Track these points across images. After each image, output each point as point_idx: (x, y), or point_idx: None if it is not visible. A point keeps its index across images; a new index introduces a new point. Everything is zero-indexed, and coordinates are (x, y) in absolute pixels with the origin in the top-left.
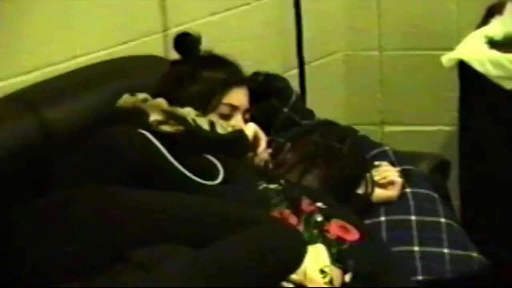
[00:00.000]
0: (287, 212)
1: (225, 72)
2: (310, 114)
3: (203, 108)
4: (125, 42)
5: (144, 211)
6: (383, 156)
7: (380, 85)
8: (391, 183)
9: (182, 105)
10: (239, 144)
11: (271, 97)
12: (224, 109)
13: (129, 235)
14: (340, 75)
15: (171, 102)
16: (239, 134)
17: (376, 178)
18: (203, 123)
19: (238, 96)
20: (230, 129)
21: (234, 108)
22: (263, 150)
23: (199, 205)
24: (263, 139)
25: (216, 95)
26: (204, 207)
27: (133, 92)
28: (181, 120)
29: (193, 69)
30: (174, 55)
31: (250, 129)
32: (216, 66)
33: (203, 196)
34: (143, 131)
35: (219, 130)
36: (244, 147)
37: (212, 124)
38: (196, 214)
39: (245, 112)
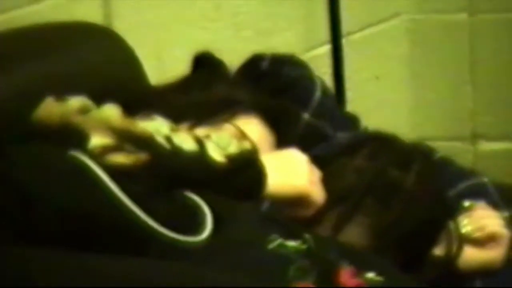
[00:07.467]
0: None
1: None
2: (350, 121)
3: (201, 116)
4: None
5: None
6: (478, 193)
7: (471, 70)
8: (492, 238)
9: (145, 110)
10: (248, 181)
11: (281, 95)
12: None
13: None
14: (403, 53)
15: (129, 109)
16: (247, 160)
17: (467, 229)
18: (185, 141)
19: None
20: (232, 149)
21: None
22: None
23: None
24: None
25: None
26: None
27: (60, 96)
28: (145, 143)
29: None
30: (119, 24)
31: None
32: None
33: (176, 266)
34: (77, 154)
35: (212, 153)
36: (258, 185)
37: (200, 144)
38: None
39: None
